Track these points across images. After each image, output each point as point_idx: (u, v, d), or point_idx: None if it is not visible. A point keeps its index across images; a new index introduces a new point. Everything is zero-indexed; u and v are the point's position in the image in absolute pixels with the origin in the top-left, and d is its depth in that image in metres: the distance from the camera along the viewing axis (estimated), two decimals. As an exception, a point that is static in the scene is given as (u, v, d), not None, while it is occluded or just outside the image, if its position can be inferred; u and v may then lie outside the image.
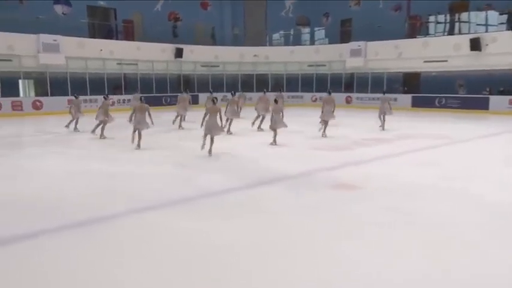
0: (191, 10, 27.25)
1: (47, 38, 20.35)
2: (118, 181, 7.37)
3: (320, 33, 28.85)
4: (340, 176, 7.79)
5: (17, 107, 19.71)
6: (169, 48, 25.11)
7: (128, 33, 25.79)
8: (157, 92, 24.37)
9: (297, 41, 29.30)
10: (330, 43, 27.69)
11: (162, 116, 15.77)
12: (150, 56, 24.20)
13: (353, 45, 25.08)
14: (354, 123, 16.44)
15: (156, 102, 22.03)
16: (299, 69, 27.50)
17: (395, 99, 22.27)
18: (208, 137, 9.44)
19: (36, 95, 21.80)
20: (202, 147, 9.51)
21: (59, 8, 22.64)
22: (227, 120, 13.12)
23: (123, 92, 23.36)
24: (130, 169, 8.25)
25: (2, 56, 19.54)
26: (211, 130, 9.40)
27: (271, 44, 29.67)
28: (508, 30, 20.27)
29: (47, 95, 20.85)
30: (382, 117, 14.30)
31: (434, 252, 4.34)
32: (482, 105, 20.30)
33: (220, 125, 9.78)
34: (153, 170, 8.20)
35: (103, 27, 25.25)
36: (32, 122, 17.46)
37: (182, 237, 4.76)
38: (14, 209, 5.75)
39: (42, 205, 5.90)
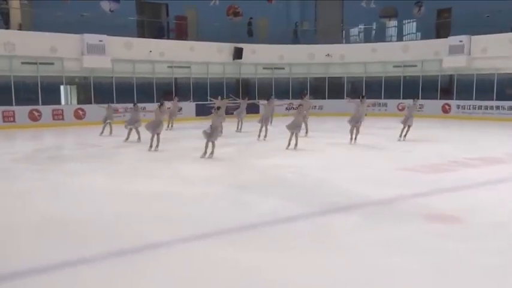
0: (253, 4, 27.81)
1: (91, 38, 21.82)
2: (165, 203, 7.59)
3: (410, 26, 28.75)
4: (435, 204, 7.55)
5: (58, 116, 21.22)
6: (226, 48, 25.95)
7: (181, 32, 26.89)
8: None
9: (380, 37, 29.21)
10: (422, 38, 27.46)
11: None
12: (205, 57, 25.09)
13: (453, 40, 24.54)
14: (454, 138, 16.29)
15: (209, 110, 22.52)
16: (382, 71, 27.39)
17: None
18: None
19: (79, 102, 23.35)
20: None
21: (105, 5, 24.18)
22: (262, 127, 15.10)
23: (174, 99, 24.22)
24: (179, 189, 8.48)
25: (44, 59, 21.21)
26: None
27: (348, 41, 29.83)
28: None
29: (90, 103, 22.22)
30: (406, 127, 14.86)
31: None
32: None
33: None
34: (205, 190, 8.37)
35: (153, 25, 26.60)
36: (74, 132, 18.67)
37: (239, 273, 4.79)
38: (53, 232, 6.08)
39: (87, 228, 6.22)
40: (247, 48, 25.97)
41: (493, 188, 8.77)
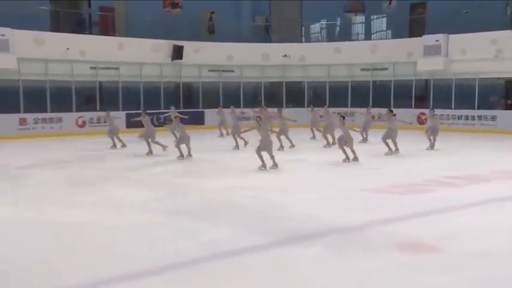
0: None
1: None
2: (84, 237, 7.39)
3: (379, 23, 29.69)
4: (410, 231, 7.75)
5: None
6: (164, 46, 25.81)
7: (107, 26, 26.56)
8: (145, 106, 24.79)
9: (345, 35, 29.85)
10: (393, 37, 28.34)
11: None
12: (137, 56, 24.86)
13: (428, 39, 25.39)
14: (431, 153, 16.62)
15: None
16: (348, 74, 28.01)
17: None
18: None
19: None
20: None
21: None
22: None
23: (98, 108, 23.81)
24: (103, 218, 8.36)
25: None
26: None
27: (308, 40, 30.42)
28: None
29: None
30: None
31: None
32: None
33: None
34: (137, 219, 8.32)
35: (71, 16, 26.08)
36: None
37: None
38: None
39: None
40: (188, 46, 25.97)
41: (476, 212, 9.05)
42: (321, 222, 8.12)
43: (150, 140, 15.86)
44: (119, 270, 5.95)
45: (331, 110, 25.26)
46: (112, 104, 22.64)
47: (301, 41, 30.05)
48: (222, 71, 27.69)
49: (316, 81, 28.84)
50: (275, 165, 13.13)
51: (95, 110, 23.77)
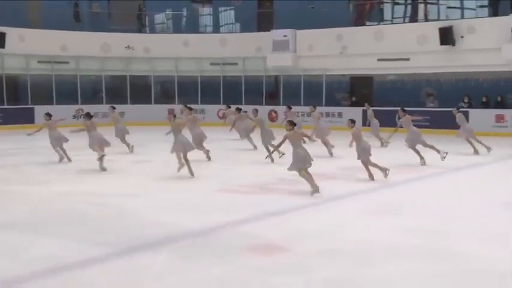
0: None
1: None
2: None
3: (228, 15, 29.74)
4: (259, 232, 7.97)
5: None
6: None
7: None
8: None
9: (192, 27, 29.74)
10: (242, 31, 28.72)
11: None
12: None
13: (277, 34, 26.03)
14: (280, 150, 16.93)
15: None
16: (198, 69, 27.89)
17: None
18: None
19: None
20: None
21: None
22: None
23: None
24: None
25: None
26: None
27: (153, 31, 29.93)
28: (493, 16, 22.99)
29: None
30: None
31: None
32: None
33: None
34: None
35: None
36: None
37: None
38: None
39: None
40: (12, 33, 23.96)
41: (325, 209, 9.54)
42: (169, 227, 8.06)
43: None
44: None
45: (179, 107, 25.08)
46: None
47: (146, 32, 29.51)
48: (55, 62, 25.91)
49: (164, 76, 28.46)
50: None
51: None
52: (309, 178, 10.20)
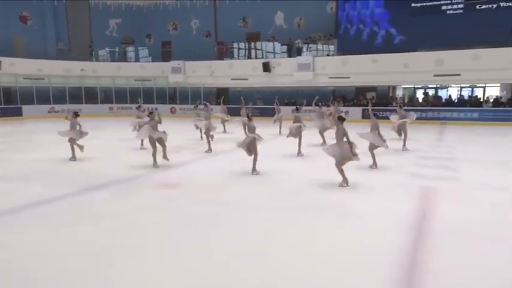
0: (8, 23, 24.67)
1: None
2: None
3: (144, 51, 29.55)
4: (165, 177, 7.99)
5: None
6: None
7: None
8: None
9: (123, 58, 29.23)
10: (153, 61, 28.42)
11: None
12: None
13: (173, 63, 26.58)
14: (180, 129, 16.68)
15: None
16: (126, 83, 27.74)
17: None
18: None
19: None
20: None
21: None
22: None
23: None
24: None
25: None
26: None
27: (97, 60, 29.03)
28: (289, 57, 24.29)
29: None
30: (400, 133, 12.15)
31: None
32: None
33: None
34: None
35: None
36: None
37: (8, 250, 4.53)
38: None
39: None
40: (5, 61, 23.13)
41: (201, 162, 9.75)
42: (110, 177, 7.85)
43: None
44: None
45: (116, 105, 25.61)
46: None
47: (93, 60, 28.47)
48: (35, 79, 24.78)
49: (106, 87, 27.55)
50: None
51: None
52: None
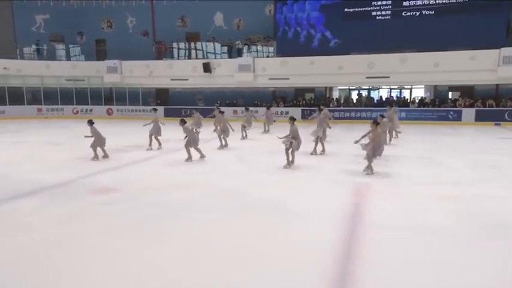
0: None
1: None
2: None
3: (76, 50, 27.99)
4: (99, 181, 7.73)
5: None
6: None
7: None
8: None
9: (52, 56, 27.48)
10: (86, 60, 27.23)
11: None
12: None
13: (109, 63, 25.71)
14: (117, 131, 16.50)
15: None
16: (57, 83, 26.18)
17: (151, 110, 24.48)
18: None
19: None
20: None
21: None
22: None
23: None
24: None
25: None
26: None
27: (22, 58, 27.08)
28: (229, 58, 24.42)
29: None
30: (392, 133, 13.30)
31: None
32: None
33: None
34: None
35: None
36: None
37: None
38: None
39: None
40: None
41: (141, 165, 9.52)
42: (40, 183, 7.47)
43: None
44: None
45: (46, 107, 24.00)
46: None
47: (17, 58, 26.38)
48: None
49: (34, 87, 25.80)
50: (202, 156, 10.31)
51: None
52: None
